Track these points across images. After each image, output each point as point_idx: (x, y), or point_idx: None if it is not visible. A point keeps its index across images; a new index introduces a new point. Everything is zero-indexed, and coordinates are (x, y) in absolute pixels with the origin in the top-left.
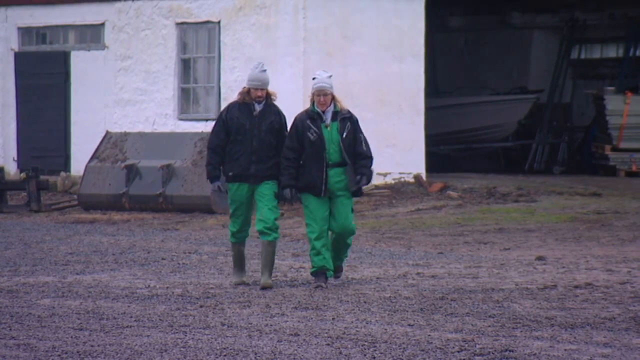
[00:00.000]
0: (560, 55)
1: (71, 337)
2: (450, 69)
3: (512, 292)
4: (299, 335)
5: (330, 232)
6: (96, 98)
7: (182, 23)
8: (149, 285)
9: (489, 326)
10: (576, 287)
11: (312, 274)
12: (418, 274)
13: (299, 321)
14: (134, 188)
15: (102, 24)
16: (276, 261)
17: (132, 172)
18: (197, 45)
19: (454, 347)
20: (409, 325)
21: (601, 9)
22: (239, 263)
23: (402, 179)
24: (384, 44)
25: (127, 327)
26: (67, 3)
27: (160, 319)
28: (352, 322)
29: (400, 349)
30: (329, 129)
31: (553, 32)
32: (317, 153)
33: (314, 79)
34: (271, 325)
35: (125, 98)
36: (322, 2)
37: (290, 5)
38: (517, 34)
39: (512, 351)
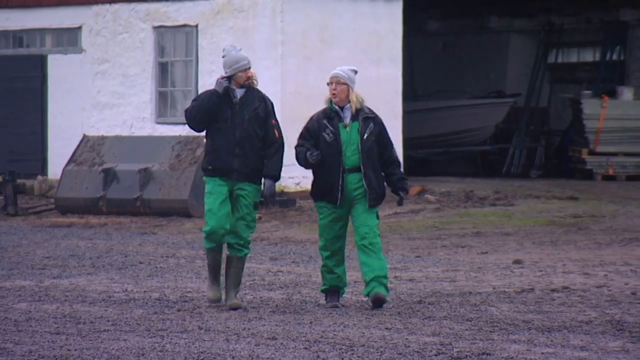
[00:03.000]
0: (538, 59)
1: (48, 341)
2: (428, 72)
3: (490, 295)
4: (276, 339)
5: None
6: (73, 102)
7: (160, 27)
8: (126, 289)
9: (467, 330)
10: (553, 290)
11: (322, 291)
12: (396, 277)
13: (276, 325)
14: (112, 192)
15: (79, 28)
16: (254, 265)
17: (109, 176)
18: (175, 49)
19: (431, 351)
20: (386, 329)
21: (578, 13)
22: (215, 274)
23: None
24: (361, 48)
25: (104, 331)
26: (44, 6)
27: (137, 323)
28: (329, 325)
29: (377, 352)
30: (347, 129)
31: (530, 36)
32: (332, 156)
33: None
34: (249, 329)
35: (102, 102)
36: (300, 6)
37: (268, 8)
38: (495, 37)
39: (490, 354)
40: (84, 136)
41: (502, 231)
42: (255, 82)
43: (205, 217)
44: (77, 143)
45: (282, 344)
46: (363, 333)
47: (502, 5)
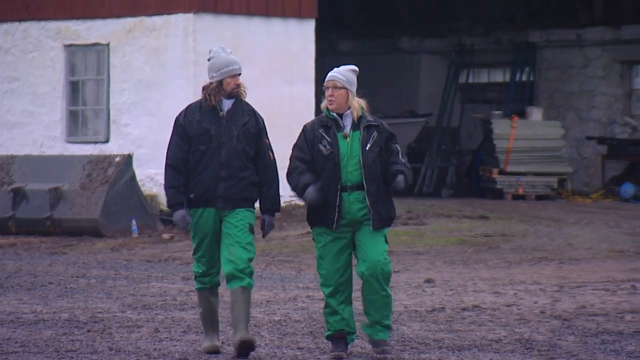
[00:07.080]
0: (449, 79)
1: None
2: None
3: (401, 314)
4: (187, 359)
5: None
6: None
7: (71, 45)
8: (35, 310)
9: None
10: (464, 309)
11: (327, 338)
12: (308, 297)
13: (188, 345)
14: (21, 211)
15: None
16: (166, 285)
17: (18, 196)
18: (86, 68)
19: None
20: (298, 348)
21: (488, 34)
22: (209, 320)
23: (293, 202)
24: (274, 67)
25: (12, 352)
26: None
27: (46, 344)
28: None
29: None
30: (348, 140)
31: (441, 57)
32: (330, 171)
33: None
34: (160, 349)
35: (12, 120)
36: (213, 25)
37: (180, 28)
38: (406, 58)
39: None
40: None
41: (413, 250)
42: (244, 92)
43: (193, 257)
44: None
45: None
46: (275, 353)
47: (413, 26)
